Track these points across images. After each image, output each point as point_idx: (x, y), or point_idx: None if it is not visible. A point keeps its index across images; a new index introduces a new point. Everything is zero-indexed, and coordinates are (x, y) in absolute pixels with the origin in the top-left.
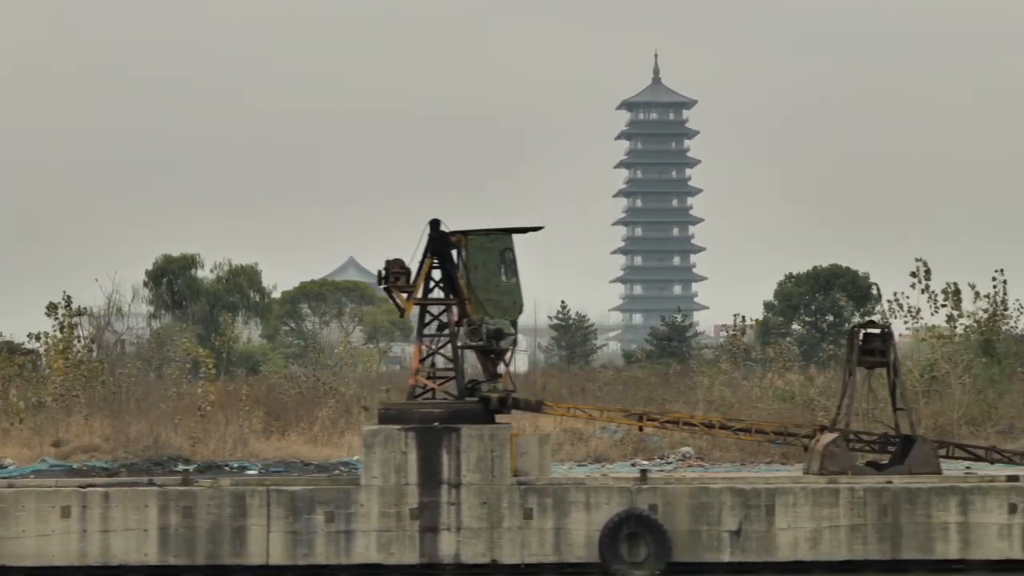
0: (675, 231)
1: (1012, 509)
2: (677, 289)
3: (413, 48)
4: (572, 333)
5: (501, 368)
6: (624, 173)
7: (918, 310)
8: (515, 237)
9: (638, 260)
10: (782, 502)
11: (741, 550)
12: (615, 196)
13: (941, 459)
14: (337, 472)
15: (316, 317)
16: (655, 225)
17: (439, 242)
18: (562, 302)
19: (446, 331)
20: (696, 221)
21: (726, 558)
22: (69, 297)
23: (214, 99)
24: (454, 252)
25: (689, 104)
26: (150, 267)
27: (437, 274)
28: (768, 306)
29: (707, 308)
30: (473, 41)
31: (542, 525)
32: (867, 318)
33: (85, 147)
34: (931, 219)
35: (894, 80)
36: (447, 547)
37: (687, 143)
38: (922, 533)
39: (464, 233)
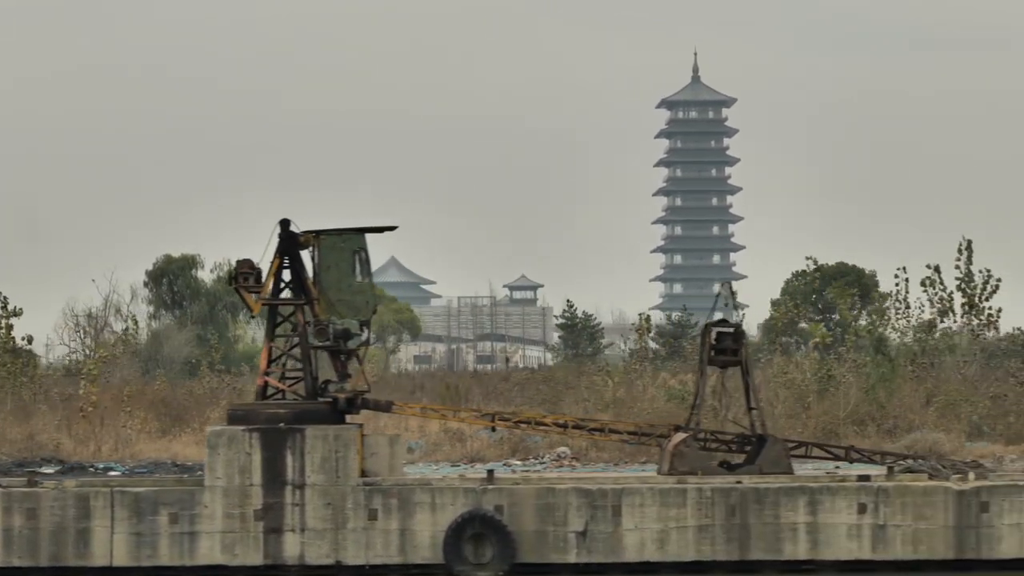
0: (715, 230)
1: (862, 509)
2: (716, 288)
3: (450, 48)
4: (578, 333)
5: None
6: (664, 172)
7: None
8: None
9: (678, 259)
10: (629, 503)
11: (587, 551)
12: (655, 195)
13: (801, 459)
14: (199, 473)
15: None
16: (695, 224)
17: (288, 242)
18: (568, 301)
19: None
20: (736, 219)
21: (572, 559)
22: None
23: (247, 99)
24: (309, 252)
25: (729, 102)
26: (150, 267)
27: (288, 274)
28: (775, 304)
29: (747, 306)
30: (514, 40)
31: (387, 526)
32: (873, 315)
33: (87, 147)
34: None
35: (937, 78)
36: (291, 548)
37: (727, 141)
38: (770, 533)
39: (316, 233)
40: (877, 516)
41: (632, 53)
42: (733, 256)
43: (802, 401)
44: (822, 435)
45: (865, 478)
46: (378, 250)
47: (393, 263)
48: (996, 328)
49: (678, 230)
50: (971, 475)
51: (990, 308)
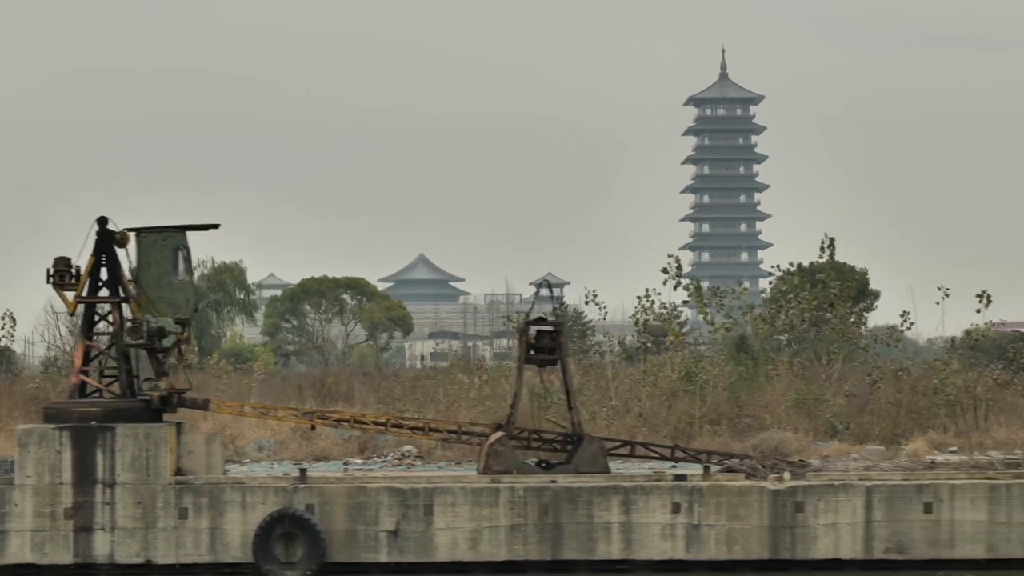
0: (743, 227)
1: (676, 509)
2: (745, 286)
3: (478, 47)
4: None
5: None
6: (691, 169)
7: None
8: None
9: (705, 256)
10: (441, 502)
11: (399, 550)
12: (682, 192)
13: (627, 459)
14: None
15: (317, 314)
16: (723, 221)
17: (105, 240)
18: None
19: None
20: (764, 216)
21: (383, 558)
22: None
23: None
24: (128, 249)
25: (756, 100)
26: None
27: (105, 272)
28: (764, 302)
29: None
30: (542, 39)
31: (197, 525)
32: (866, 315)
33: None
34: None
35: (976, 75)
36: (101, 547)
37: (754, 139)
38: (583, 533)
39: (136, 231)
40: (691, 516)
41: (660, 50)
42: (761, 253)
43: (668, 400)
44: (679, 435)
45: (681, 478)
46: (407, 248)
47: (422, 260)
48: (863, 325)
49: (706, 227)
50: (786, 475)
51: (859, 307)
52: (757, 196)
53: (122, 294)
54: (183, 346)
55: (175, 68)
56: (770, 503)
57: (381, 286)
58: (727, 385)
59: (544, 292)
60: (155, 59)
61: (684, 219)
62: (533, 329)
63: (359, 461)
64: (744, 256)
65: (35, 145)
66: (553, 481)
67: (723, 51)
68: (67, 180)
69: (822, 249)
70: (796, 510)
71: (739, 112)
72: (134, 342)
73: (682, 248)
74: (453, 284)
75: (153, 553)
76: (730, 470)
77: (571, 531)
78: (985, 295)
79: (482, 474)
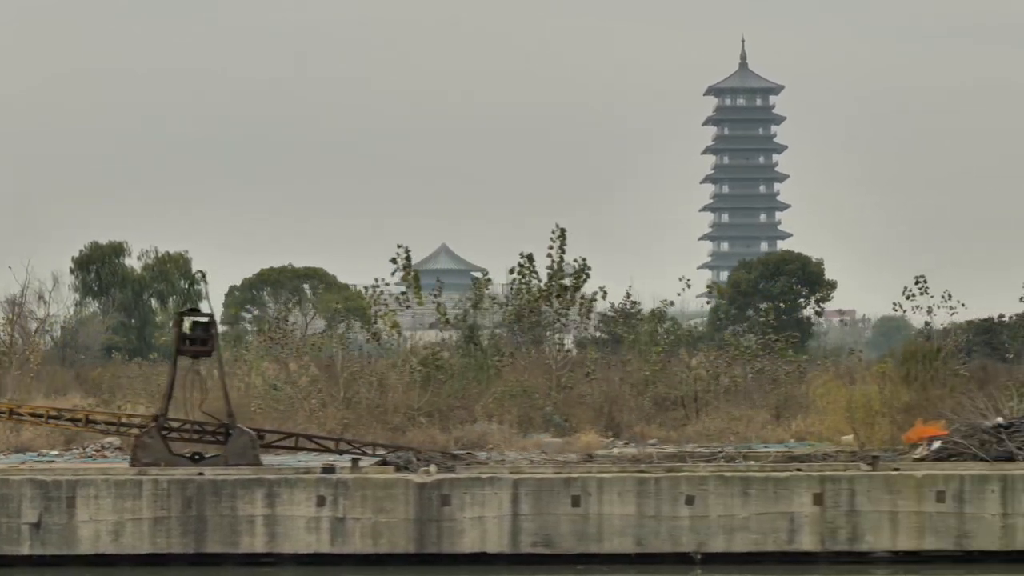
0: (762, 217)
1: (320, 502)
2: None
3: (495, 36)
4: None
5: None
6: (711, 159)
7: None
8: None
9: (724, 246)
10: (84, 494)
11: (41, 543)
12: (702, 182)
13: (291, 450)
14: None
15: (276, 303)
16: (742, 211)
17: None
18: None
19: None
20: (783, 207)
21: (26, 551)
22: None
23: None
24: None
25: (776, 90)
26: (76, 254)
27: None
28: (720, 293)
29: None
30: (562, 27)
31: None
32: (823, 305)
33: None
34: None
35: (991, 68)
36: None
37: (774, 129)
38: (227, 526)
39: None
40: (336, 509)
41: (680, 40)
42: (780, 244)
43: (395, 391)
44: (396, 428)
45: (329, 470)
46: (429, 237)
47: (444, 250)
48: (588, 316)
49: (725, 217)
50: (432, 468)
51: (584, 296)
52: (776, 186)
53: None
54: None
55: (175, 68)
56: (416, 496)
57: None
58: (448, 378)
59: (200, 282)
60: (155, 59)
61: (703, 209)
62: (187, 320)
63: (55, 452)
64: (764, 246)
65: (34, 145)
66: (200, 474)
67: (743, 41)
68: (64, 181)
69: (552, 241)
70: (442, 503)
71: (759, 102)
72: None
73: (701, 238)
74: (475, 274)
75: None
76: (384, 463)
77: (215, 524)
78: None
79: (132, 466)
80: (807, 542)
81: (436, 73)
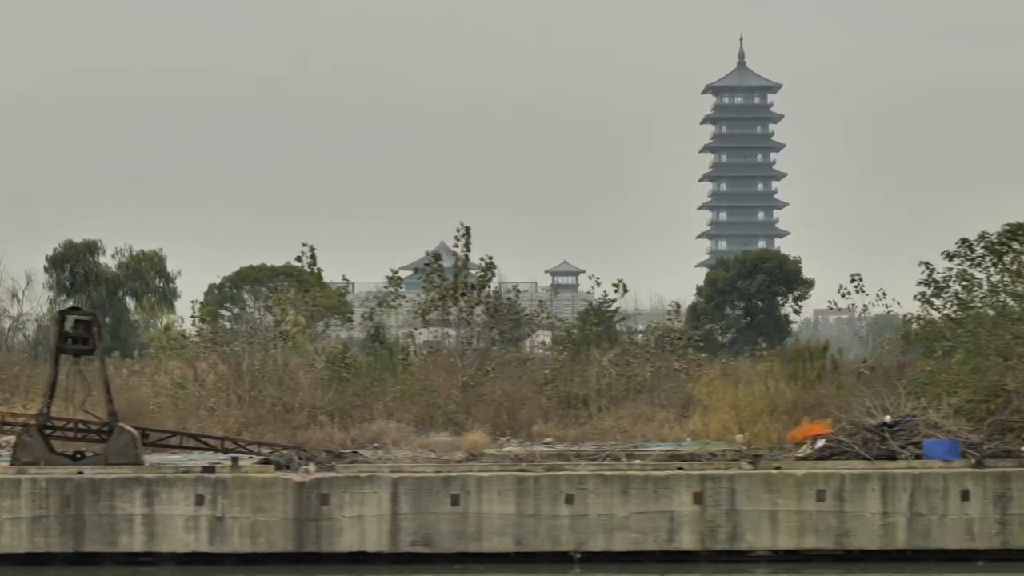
0: (760, 215)
1: (199, 501)
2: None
3: (491, 33)
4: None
5: None
6: (709, 157)
7: None
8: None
9: (722, 244)
10: None
11: None
12: (700, 180)
13: (180, 449)
14: None
15: (256, 302)
16: (740, 210)
17: None
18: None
19: None
20: (781, 205)
21: None
22: None
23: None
24: None
25: (775, 88)
26: (51, 253)
27: None
28: (699, 291)
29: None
30: (560, 24)
31: None
32: (801, 303)
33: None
34: None
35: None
36: None
37: (772, 127)
38: (106, 525)
39: None
40: (215, 508)
41: (679, 38)
42: (778, 242)
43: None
44: (298, 426)
45: (209, 469)
46: (428, 237)
47: (442, 248)
48: (493, 315)
49: (723, 216)
50: (311, 467)
51: (491, 294)
52: (775, 184)
53: None
54: None
55: (175, 68)
56: (295, 495)
57: (403, 274)
58: (353, 376)
59: (80, 280)
60: (155, 59)
61: (702, 207)
62: (70, 318)
63: None
64: (762, 244)
65: (34, 145)
66: (79, 473)
67: (741, 39)
68: (63, 179)
69: (456, 239)
70: (321, 502)
71: (757, 100)
72: None
73: (699, 236)
74: (473, 272)
75: None
76: (267, 461)
77: (93, 523)
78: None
79: (12, 465)
80: (687, 541)
81: (436, 71)
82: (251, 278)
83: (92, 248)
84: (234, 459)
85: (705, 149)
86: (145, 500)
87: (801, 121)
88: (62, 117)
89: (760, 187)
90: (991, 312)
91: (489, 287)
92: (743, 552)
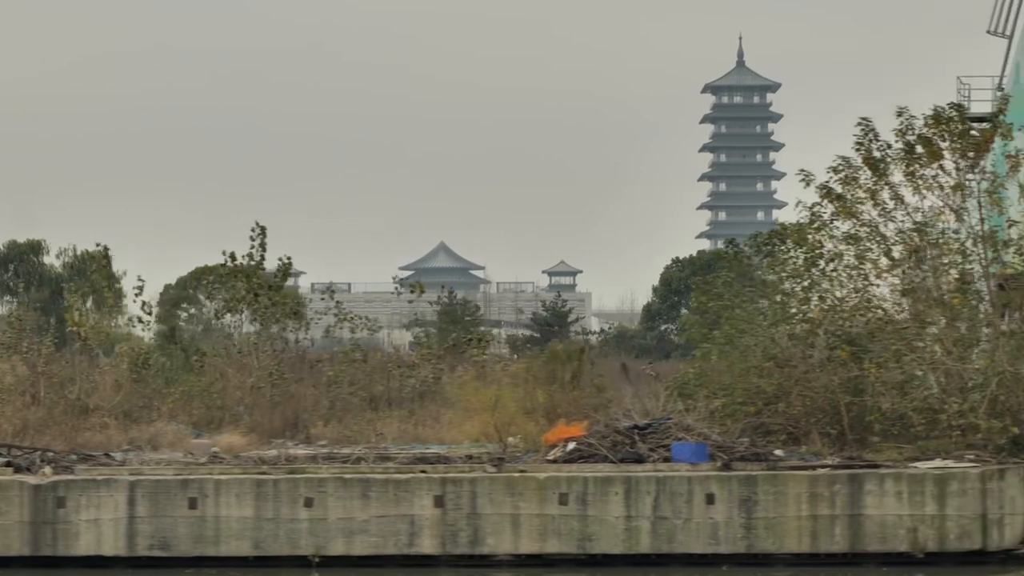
0: (759, 215)
1: None
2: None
3: (489, 30)
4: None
5: None
6: (708, 157)
7: None
8: None
9: (721, 245)
10: None
11: None
12: (699, 180)
13: None
14: None
15: (211, 303)
16: (739, 209)
17: None
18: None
19: None
20: (780, 205)
21: None
22: None
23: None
24: None
25: (774, 87)
26: None
27: None
28: (654, 291)
29: None
30: (558, 24)
31: None
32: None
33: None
34: None
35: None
36: None
37: (771, 127)
38: None
39: None
40: None
41: (677, 37)
42: None
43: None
44: (76, 431)
45: None
46: (427, 235)
47: (442, 248)
48: (295, 315)
49: (722, 216)
50: (47, 470)
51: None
52: (774, 184)
53: None
54: None
55: (166, 58)
56: (31, 498)
57: (402, 274)
58: (150, 377)
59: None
60: (156, 58)
61: (701, 207)
62: None
63: None
64: None
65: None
66: None
67: (740, 38)
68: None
69: (252, 240)
70: (58, 505)
71: (756, 100)
72: None
73: (699, 236)
74: (473, 272)
75: None
76: (9, 464)
77: None
78: None
79: None
80: (427, 545)
81: (435, 71)
82: (206, 279)
83: (36, 248)
84: (8, 464)
85: (704, 149)
86: None
87: (800, 121)
88: (70, 106)
89: (759, 187)
90: (745, 313)
91: (283, 287)
92: (484, 556)
